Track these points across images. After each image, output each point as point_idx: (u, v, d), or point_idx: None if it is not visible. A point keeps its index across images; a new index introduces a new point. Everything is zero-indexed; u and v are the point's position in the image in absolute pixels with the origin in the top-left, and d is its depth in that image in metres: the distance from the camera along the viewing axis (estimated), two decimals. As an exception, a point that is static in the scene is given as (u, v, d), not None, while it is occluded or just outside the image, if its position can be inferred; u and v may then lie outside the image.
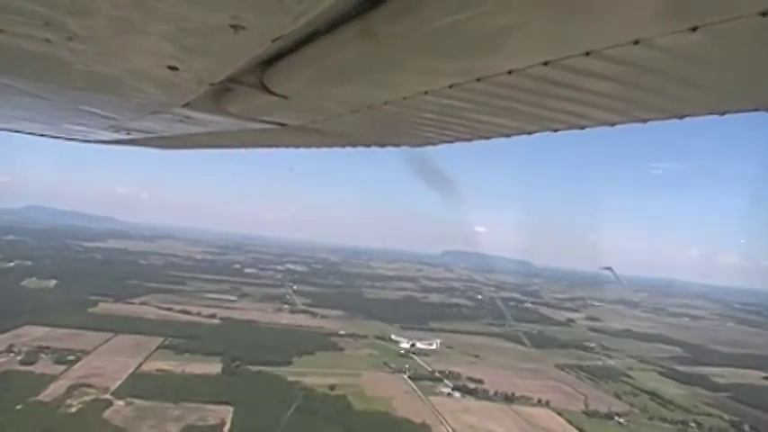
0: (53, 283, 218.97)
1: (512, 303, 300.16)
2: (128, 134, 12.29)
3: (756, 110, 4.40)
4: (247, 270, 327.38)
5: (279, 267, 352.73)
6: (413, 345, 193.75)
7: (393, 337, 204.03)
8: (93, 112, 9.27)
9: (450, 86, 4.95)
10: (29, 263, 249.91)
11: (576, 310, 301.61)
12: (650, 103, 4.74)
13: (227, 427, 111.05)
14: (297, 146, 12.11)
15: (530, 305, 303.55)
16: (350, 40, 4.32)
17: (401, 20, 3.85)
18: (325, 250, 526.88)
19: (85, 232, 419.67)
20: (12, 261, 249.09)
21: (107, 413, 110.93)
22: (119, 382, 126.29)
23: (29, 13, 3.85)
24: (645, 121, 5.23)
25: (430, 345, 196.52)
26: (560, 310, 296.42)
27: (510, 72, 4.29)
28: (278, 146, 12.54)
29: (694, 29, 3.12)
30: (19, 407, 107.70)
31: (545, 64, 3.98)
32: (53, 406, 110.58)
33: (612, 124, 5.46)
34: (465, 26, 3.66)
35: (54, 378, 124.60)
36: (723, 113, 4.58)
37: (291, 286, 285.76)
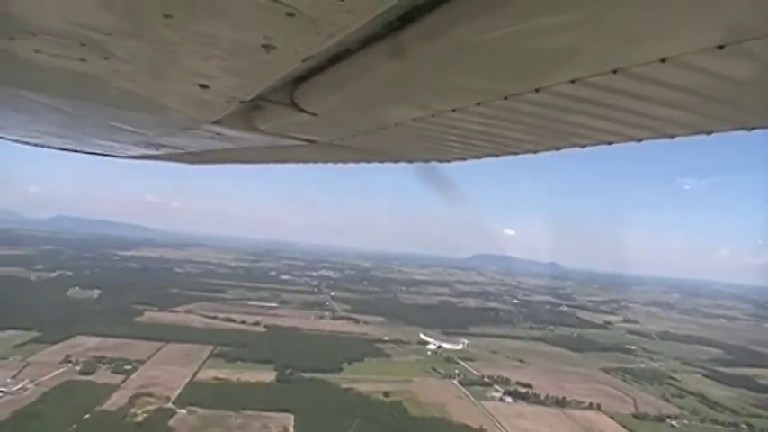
0: (97, 292, 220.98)
1: (547, 307, 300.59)
2: (157, 150, 12.51)
3: None
4: (283, 277, 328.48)
5: (313, 274, 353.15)
6: (439, 346, 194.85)
7: (422, 336, 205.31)
8: (124, 129, 9.50)
9: (478, 104, 5.09)
10: (70, 273, 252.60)
11: (611, 313, 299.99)
12: (677, 120, 4.89)
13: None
14: (325, 161, 12.16)
15: (565, 308, 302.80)
16: (380, 58, 4.42)
17: (431, 39, 3.90)
18: (355, 256, 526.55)
19: (118, 241, 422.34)
20: (53, 271, 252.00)
21: (172, 422, 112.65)
22: (178, 391, 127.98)
23: (66, 34, 4.03)
24: (672, 137, 5.40)
25: (456, 345, 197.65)
26: (596, 313, 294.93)
27: (537, 90, 4.42)
28: (306, 161, 12.63)
29: (721, 47, 3.11)
30: (87, 416, 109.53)
31: (572, 82, 4.11)
32: (119, 415, 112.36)
33: (639, 140, 5.66)
34: (494, 45, 3.77)
35: (115, 388, 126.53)
36: (751, 129, 4.78)
37: (329, 293, 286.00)
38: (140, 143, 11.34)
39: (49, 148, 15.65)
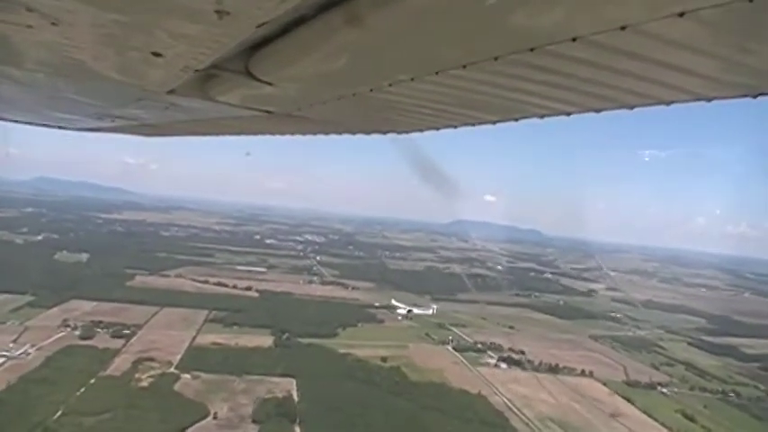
0: (85, 256, 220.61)
1: (532, 274, 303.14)
2: (112, 121, 12.29)
3: (744, 96, 4.62)
4: (268, 241, 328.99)
5: (297, 238, 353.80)
6: (409, 311, 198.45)
7: (393, 302, 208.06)
8: (77, 100, 9.37)
9: (437, 73, 5.09)
10: (55, 236, 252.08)
11: (594, 281, 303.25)
12: (637, 90, 4.90)
13: (296, 399, 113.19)
14: (283, 133, 11.96)
15: (549, 275, 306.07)
16: (336, 25, 4.36)
17: (388, 6, 3.86)
18: (337, 220, 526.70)
19: (99, 203, 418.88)
20: (39, 234, 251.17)
21: (177, 386, 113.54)
22: (179, 356, 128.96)
23: None
24: (632, 107, 5.42)
25: (426, 311, 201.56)
26: (580, 281, 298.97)
27: (496, 59, 4.42)
28: (264, 133, 12.47)
29: (681, 14, 3.15)
30: (92, 381, 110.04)
31: (531, 50, 4.12)
32: (124, 380, 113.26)
33: (599, 110, 5.67)
34: (451, 13, 3.80)
35: (116, 353, 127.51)
36: (710, 100, 4.86)
37: (315, 257, 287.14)
38: (94, 115, 11.32)
39: (8, 121, 15.51)
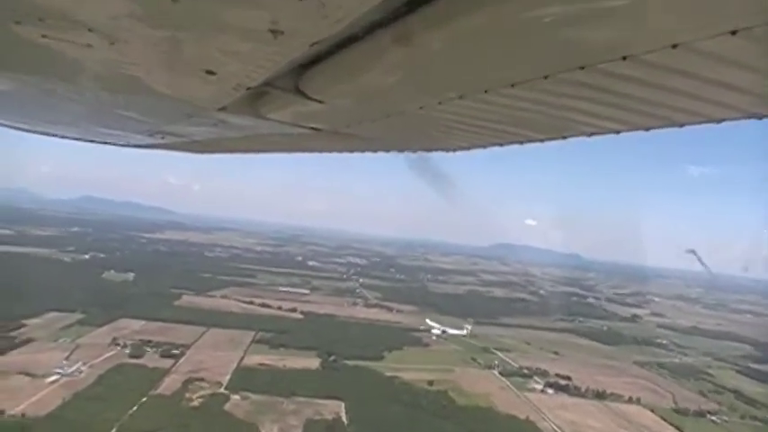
0: (131, 275, 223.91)
1: (574, 298, 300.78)
2: (162, 138, 12.18)
3: None
4: (310, 263, 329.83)
5: (339, 260, 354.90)
6: (444, 331, 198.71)
7: (428, 322, 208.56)
8: (129, 117, 9.31)
9: (486, 91, 5.07)
10: (102, 255, 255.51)
11: (638, 306, 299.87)
12: (688, 107, 4.81)
13: (346, 422, 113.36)
14: (331, 150, 11.81)
15: (592, 300, 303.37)
16: (386, 44, 4.37)
17: (437, 25, 3.89)
18: (378, 243, 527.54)
19: (142, 223, 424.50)
20: (86, 253, 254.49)
21: (227, 406, 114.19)
22: (227, 377, 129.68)
23: (73, 19, 3.99)
24: (682, 125, 5.30)
25: (461, 331, 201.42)
26: (623, 306, 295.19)
27: (546, 77, 4.38)
28: (312, 150, 12.40)
29: (734, 32, 3.10)
30: (144, 399, 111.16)
31: (581, 69, 4.08)
32: (175, 399, 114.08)
33: (649, 128, 5.57)
34: (501, 32, 3.80)
35: (166, 372, 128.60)
36: (761, 118, 4.74)
37: (357, 279, 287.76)
38: (145, 131, 11.25)
39: (53, 135, 15.35)
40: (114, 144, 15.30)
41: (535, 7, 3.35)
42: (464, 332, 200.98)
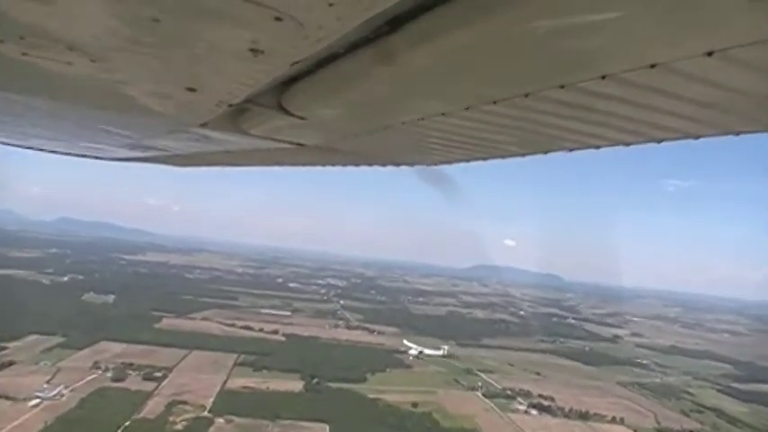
0: (111, 297, 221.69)
1: (554, 319, 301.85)
2: (144, 152, 12.32)
3: None
4: (291, 285, 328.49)
5: (320, 282, 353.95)
6: (421, 352, 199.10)
7: (405, 342, 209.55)
8: (111, 131, 9.34)
9: (467, 108, 5.16)
10: (81, 277, 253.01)
11: (618, 327, 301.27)
12: (665, 125, 4.96)
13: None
14: (313, 164, 12.10)
15: (573, 321, 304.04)
16: (368, 63, 4.46)
17: (419, 44, 3.96)
18: (357, 264, 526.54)
19: (122, 245, 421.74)
20: (65, 275, 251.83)
21: (212, 430, 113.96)
22: (211, 399, 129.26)
23: (54, 38, 4.00)
24: (660, 141, 5.50)
25: (437, 351, 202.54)
26: (603, 326, 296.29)
27: (527, 95, 4.48)
28: (295, 164, 12.59)
29: (710, 53, 3.21)
30: (127, 423, 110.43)
31: (561, 87, 4.18)
32: (159, 423, 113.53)
33: (628, 144, 5.70)
34: (483, 51, 3.87)
35: (149, 395, 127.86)
36: (738, 134, 4.90)
37: (338, 301, 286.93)
38: (127, 145, 11.28)
39: (37, 150, 15.44)
40: (96, 157, 15.47)
41: (516, 27, 3.34)
42: (441, 352, 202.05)
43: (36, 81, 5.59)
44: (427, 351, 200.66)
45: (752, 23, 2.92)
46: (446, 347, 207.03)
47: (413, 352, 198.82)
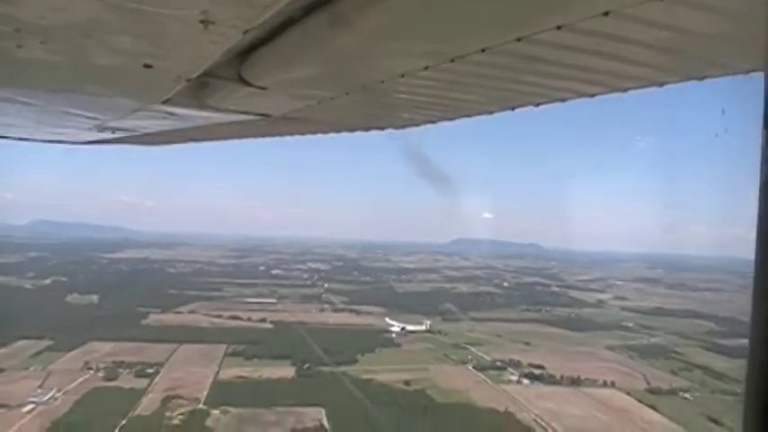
0: (96, 297, 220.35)
1: (539, 288, 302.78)
2: (113, 133, 12.13)
3: (735, 74, 4.73)
4: (273, 272, 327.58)
5: (302, 267, 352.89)
6: (403, 328, 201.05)
7: (387, 320, 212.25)
8: (74, 113, 9.26)
9: (426, 68, 5.21)
10: (63, 279, 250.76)
11: (602, 291, 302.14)
12: (627, 73, 4.99)
13: (329, 427, 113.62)
14: (282, 135, 12.03)
15: (557, 289, 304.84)
16: (323, 27, 4.46)
17: (372, 5, 3.95)
18: (338, 246, 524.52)
19: (100, 243, 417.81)
20: (47, 278, 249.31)
21: (209, 422, 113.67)
22: (205, 392, 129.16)
23: (0, 20, 3.97)
24: (625, 90, 5.52)
25: (419, 327, 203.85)
26: (587, 292, 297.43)
27: (483, 50, 4.50)
28: (263, 136, 12.57)
29: None
30: (124, 422, 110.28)
31: (518, 40, 4.19)
32: (156, 419, 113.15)
33: (593, 95, 5.76)
34: (435, 8, 3.86)
35: (143, 392, 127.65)
36: (701, 78, 4.91)
37: (323, 285, 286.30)
38: (94, 127, 11.13)
39: (3, 138, 14.88)
40: (63, 142, 15.34)
41: None
42: (423, 327, 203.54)
43: None
44: (409, 327, 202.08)
45: None
46: (428, 322, 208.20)
47: (395, 329, 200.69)
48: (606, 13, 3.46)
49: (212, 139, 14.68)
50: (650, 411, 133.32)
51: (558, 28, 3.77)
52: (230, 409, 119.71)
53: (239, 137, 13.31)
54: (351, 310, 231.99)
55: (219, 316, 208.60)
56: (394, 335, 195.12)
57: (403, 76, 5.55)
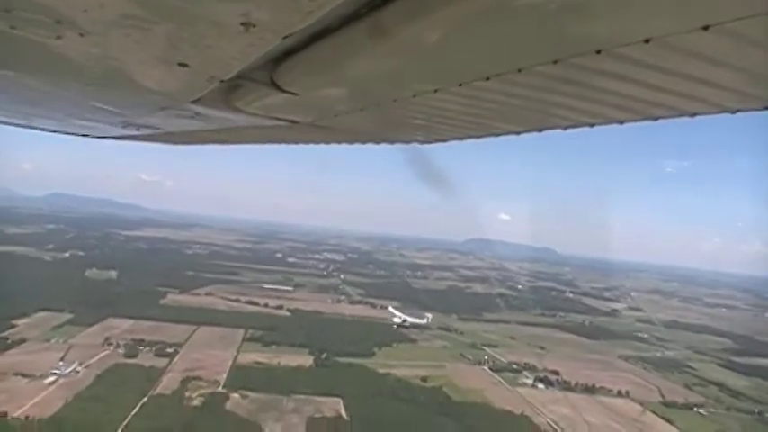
0: (114, 273, 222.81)
1: (553, 293, 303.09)
2: (137, 130, 12.06)
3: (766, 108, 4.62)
4: (290, 259, 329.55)
5: (317, 256, 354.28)
6: (405, 320, 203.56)
7: (391, 309, 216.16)
8: (103, 108, 9.26)
9: (460, 85, 5.13)
10: (81, 253, 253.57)
11: (616, 300, 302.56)
12: (661, 102, 4.91)
13: (347, 418, 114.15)
14: (307, 142, 11.87)
15: (571, 295, 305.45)
16: (360, 37, 4.38)
17: (412, 19, 3.90)
18: (353, 238, 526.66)
19: (118, 220, 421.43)
20: (66, 251, 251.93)
21: (228, 405, 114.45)
22: (224, 375, 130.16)
23: (41, 11, 3.97)
24: (656, 119, 5.43)
25: (421, 320, 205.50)
26: (601, 300, 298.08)
27: (520, 71, 4.46)
28: (288, 142, 12.39)
29: (706, 28, 3.16)
30: (145, 399, 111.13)
31: (555, 62, 4.15)
32: (176, 399, 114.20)
33: (622, 122, 5.65)
34: (475, 26, 3.84)
35: (162, 371, 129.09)
36: (734, 112, 4.79)
37: (338, 276, 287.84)
38: (119, 123, 11.09)
39: (29, 128, 15.21)
40: (89, 136, 15.29)
41: (508, 2, 3.34)
42: (425, 321, 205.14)
43: (26, 57, 5.69)
44: (411, 319, 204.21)
45: None
46: (430, 316, 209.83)
47: (396, 320, 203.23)
48: (647, 41, 3.45)
49: (236, 143, 14.39)
50: (666, 425, 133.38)
51: (598, 52, 3.79)
52: (249, 393, 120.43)
53: (265, 141, 13.02)
54: (367, 303, 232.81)
55: (237, 300, 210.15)
56: (395, 326, 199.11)
57: (436, 91, 5.52)
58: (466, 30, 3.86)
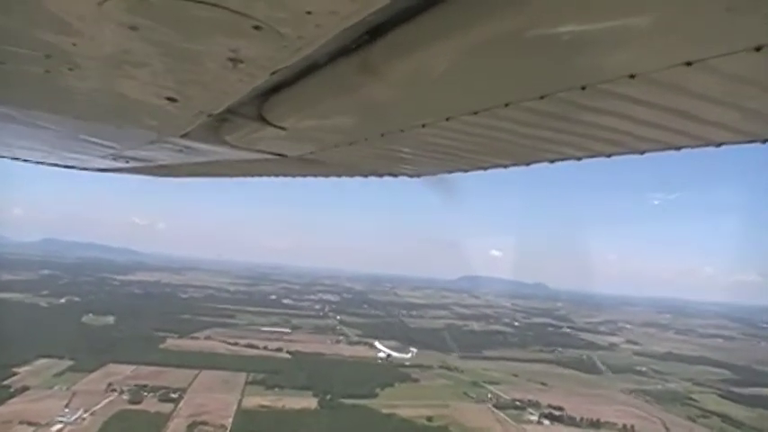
0: (112, 319, 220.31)
1: (550, 329, 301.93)
2: (126, 162, 12.13)
3: (752, 141, 4.66)
4: (285, 301, 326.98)
5: (312, 297, 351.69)
6: (389, 355, 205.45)
7: (376, 344, 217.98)
8: (92, 141, 9.29)
9: (448, 119, 5.13)
10: (77, 299, 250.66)
11: (612, 334, 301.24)
12: (646, 136, 4.92)
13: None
14: (295, 175, 12.05)
15: (568, 330, 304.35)
16: (348, 73, 4.45)
17: (399, 55, 3.98)
18: (345, 278, 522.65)
19: (111, 265, 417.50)
20: (61, 297, 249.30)
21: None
22: (230, 419, 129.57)
23: (30, 45, 4.00)
24: (642, 152, 5.43)
25: (405, 354, 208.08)
26: (598, 335, 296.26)
27: (507, 105, 4.47)
28: (277, 175, 12.38)
29: (689, 63, 3.18)
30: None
31: (541, 98, 4.16)
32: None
33: (609, 155, 5.68)
34: (463, 62, 3.88)
35: (168, 417, 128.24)
36: (719, 145, 4.86)
37: (335, 317, 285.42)
38: (109, 156, 11.16)
39: (15, 159, 15.13)
40: (78, 168, 15.45)
41: (494, 38, 3.44)
42: (409, 356, 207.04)
43: (15, 90, 5.77)
44: (395, 354, 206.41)
45: (730, 34, 2.92)
46: (414, 350, 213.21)
47: (381, 355, 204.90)
48: (632, 76, 3.60)
49: (225, 176, 14.64)
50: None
51: (583, 88, 3.90)
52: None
53: (254, 175, 13.12)
54: (365, 343, 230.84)
55: (236, 344, 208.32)
56: (379, 360, 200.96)
57: (424, 126, 5.59)
58: (453, 65, 4.04)
